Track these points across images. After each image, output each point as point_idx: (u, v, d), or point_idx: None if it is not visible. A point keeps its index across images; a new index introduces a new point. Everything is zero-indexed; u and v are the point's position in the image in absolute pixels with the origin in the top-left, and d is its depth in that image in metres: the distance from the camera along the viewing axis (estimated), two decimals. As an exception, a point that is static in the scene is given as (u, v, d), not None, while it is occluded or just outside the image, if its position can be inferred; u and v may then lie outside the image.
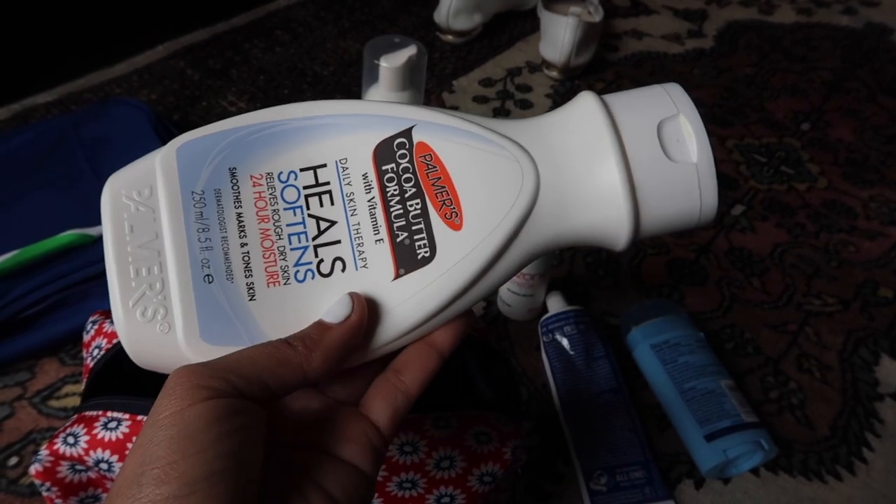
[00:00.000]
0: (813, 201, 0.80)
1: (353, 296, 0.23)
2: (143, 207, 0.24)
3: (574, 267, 0.70)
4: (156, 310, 0.23)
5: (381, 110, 0.25)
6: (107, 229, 0.24)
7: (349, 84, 0.91)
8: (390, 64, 0.60)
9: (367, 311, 0.23)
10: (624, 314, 0.63)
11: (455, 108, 0.89)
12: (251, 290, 0.23)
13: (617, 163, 0.23)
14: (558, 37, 0.90)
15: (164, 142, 0.71)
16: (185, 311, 0.23)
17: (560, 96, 0.93)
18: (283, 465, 0.22)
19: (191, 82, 0.89)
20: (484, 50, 1.00)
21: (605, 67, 0.99)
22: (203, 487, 0.18)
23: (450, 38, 1.00)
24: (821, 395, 0.61)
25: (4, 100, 0.83)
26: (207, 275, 0.23)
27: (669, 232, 0.25)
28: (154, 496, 0.18)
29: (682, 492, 0.53)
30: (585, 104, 0.25)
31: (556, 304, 0.62)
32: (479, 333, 0.39)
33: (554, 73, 0.95)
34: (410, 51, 0.61)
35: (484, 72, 0.96)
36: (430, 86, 0.92)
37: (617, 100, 0.25)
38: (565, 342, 0.59)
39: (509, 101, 0.91)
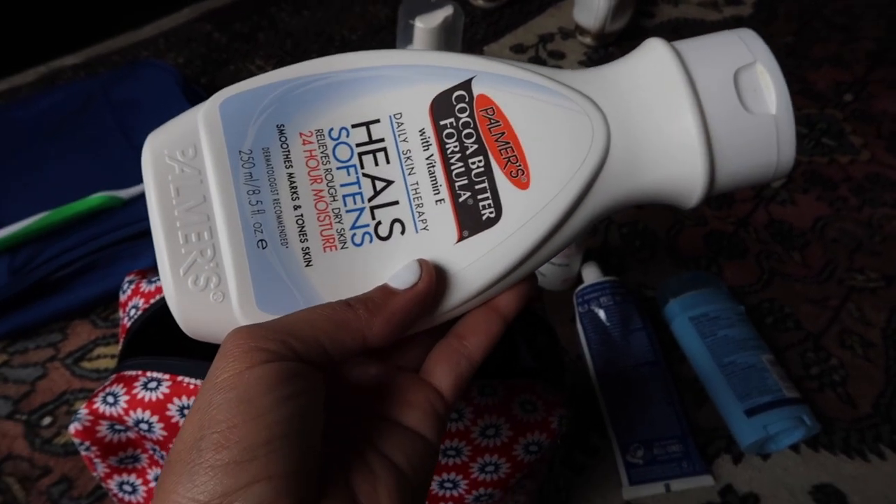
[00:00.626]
0: (855, 174, 0.78)
1: (422, 262, 0.22)
2: (188, 168, 0.22)
3: (609, 237, 0.68)
4: (208, 277, 0.22)
5: (437, 60, 0.24)
6: (150, 193, 0.22)
7: (378, 49, 0.89)
8: (426, 24, 0.59)
9: (436, 279, 0.22)
10: (661, 286, 0.61)
11: (486, 74, 0.87)
12: (307, 256, 0.22)
13: (693, 115, 0.22)
14: (593, 1, 0.87)
15: (193, 105, 0.70)
16: (239, 278, 0.22)
17: (593, 63, 0.90)
18: (342, 433, 0.22)
19: (217, 46, 0.88)
20: (515, 15, 0.98)
21: (640, 34, 0.96)
22: (264, 453, 0.17)
23: (481, 2, 0.97)
24: (863, 372, 0.59)
25: (31, 62, 0.82)
26: (261, 240, 0.22)
27: (744, 187, 0.23)
28: (214, 461, 0.17)
29: (719, 466, 0.52)
30: (656, 52, 0.23)
31: (591, 275, 0.61)
32: (524, 300, 0.38)
33: (588, 40, 0.92)
34: (446, 11, 0.59)
35: (515, 38, 0.94)
36: (461, 51, 0.89)
37: (689, 47, 0.23)
38: (602, 313, 0.58)
39: (541, 68, 0.89)
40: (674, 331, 0.59)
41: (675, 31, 0.98)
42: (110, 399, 0.32)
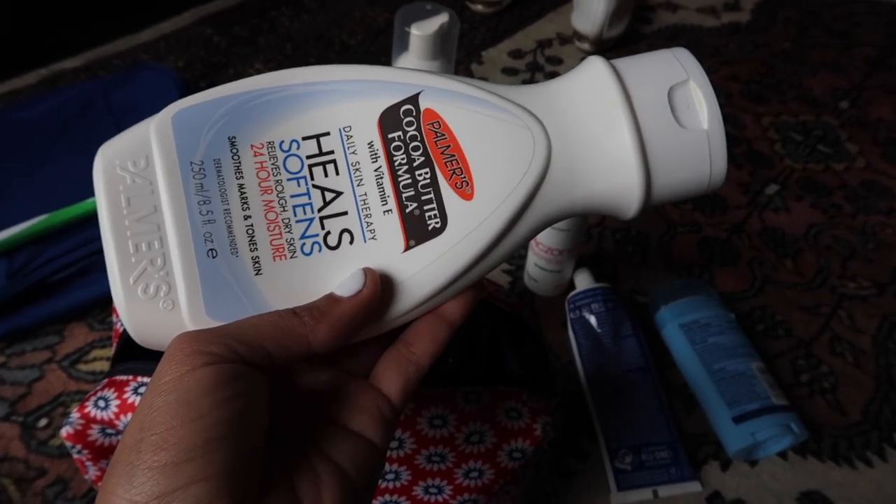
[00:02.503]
0: (851, 181, 0.78)
1: (367, 271, 0.23)
2: (139, 179, 0.23)
3: (602, 244, 0.69)
4: (158, 286, 0.22)
5: (385, 76, 0.24)
6: (101, 203, 0.22)
7: (377, 53, 0.90)
8: (421, 31, 0.59)
9: (381, 287, 0.23)
10: (653, 293, 0.62)
11: (484, 79, 0.88)
12: (257, 265, 0.23)
13: (629, 129, 0.22)
14: (591, 8, 0.88)
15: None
16: (188, 287, 0.22)
17: (591, 69, 0.91)
18: (291, 436, 0.22)
19: (217, 49, 0.89)
20: (514, 21, 0.98)
21: (637, 40, 0.97)
22: (201, 454, 0.18)
23: (479, 7, 0.98)
24: (853, 379, 0.59)
25: (32, 65, 0.83)
26: (211, 249, 0.22)
27: (679, 199, 0.24)
28: (152, 462, 0.18)
29: (708, 473, 0.53)
30: (595, 69, 0.24)
31: (583, 281, 0.61)
32: (512, 308, 0.39)
33: (585, 46, 0.93)
34: (442, 18, 0.60)
35: (514, 43, 0.94)
36: (459, 56, 0.90)
37: (627, 65, 0.24)
38: (593, 319, 0.58)
39: (539, 74, 0.89)
40: (664, 337, 0.60)
41: (672, 38, 0.98)
42: (101, 403, 0.33)
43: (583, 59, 0.91)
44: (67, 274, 0.59)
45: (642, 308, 0.63)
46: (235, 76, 0.85)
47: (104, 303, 0.59)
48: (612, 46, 0.94)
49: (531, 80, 0.88)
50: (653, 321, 0.61)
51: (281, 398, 0.23)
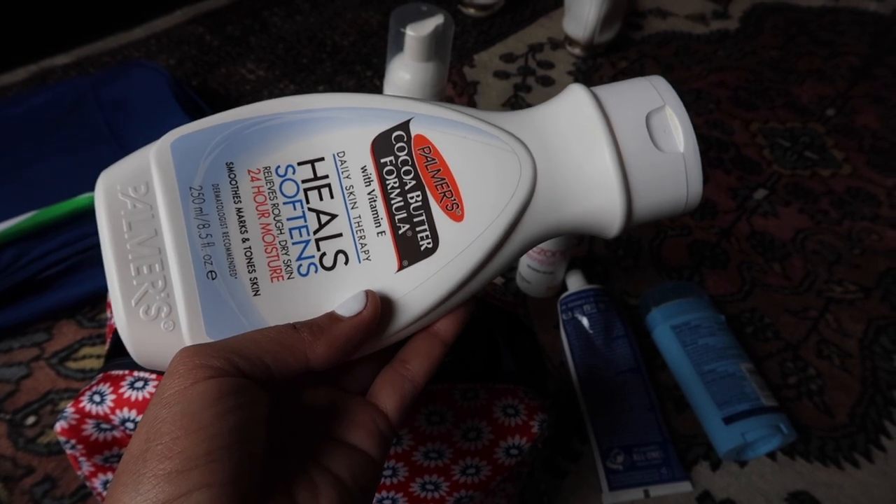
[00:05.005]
0: (837, 188, 0.79)
1: (369, 293, 0.24)
2: (140, 204, 0.23)
3: (594, 246, 0.69)
4: (159, 308, 0.23)
5: (377, 103, 0.25)
6: (103, 227, 0.23)
7: (369, 55, 0.90)
8: (416, 33, 0.59)
9: (381, 309, 0.24)
10: (644, 295, 0.62)
11: (476, 82, 0.88)
12: (255, 286, 0.23)
13: (610, 153, 0.24)
14: (583, 13, 0.89)
15: (183, 106, 0.70)
16: (189, 308, 0.23)
17: (582, 74, 0.92)
18: (289, 449, 0.23)
19: (209, 48, 0.88)
20: (506, 24, 0.99)
21: (628, 46, 0.98)
22: (204, 462, 0.19)
23: (472, 11, 0.98)
24: (840, 382, 0.60)
25: (22, 61, 0.82)
26: (210, 271, 0.23)
27: (658, 219, 0.25)
28: (157, 471, 0.18)
29: (698, 473, 0.53)
30: (576, 97, 0.25)
31: (576, 283, 0.62)
32: (507, 307, 0.39)
33: (577, 50, 0.94)
34: (437, 20, 0.60)
35: (505, 47, 0.95)
36: (451, 59, 0.90)
37: (607, 92, 0.25)
38: (585, 321, 0.58)
39: (530, 78, 0.90)
40: (655, 339, 0.60)
41: (662, 44, 0.99)
42: (97, 398, 0.32)
43: (574, 63, 0.91)
44: (56, 271, 0.58)
45: (634, 310, 0.64)
46: (227, 75, 0.84)
47: (93, 300, 0.59)
48: (603, 52, 0.95)
49: (523, 84, 0.89)
50: (644, 323, 0.62)
51: (281, 412, 0.23)
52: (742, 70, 0.96)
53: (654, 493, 0.51)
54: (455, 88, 0.87)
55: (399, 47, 0.63)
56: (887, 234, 0.74)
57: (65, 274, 0.59)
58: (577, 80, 0.90)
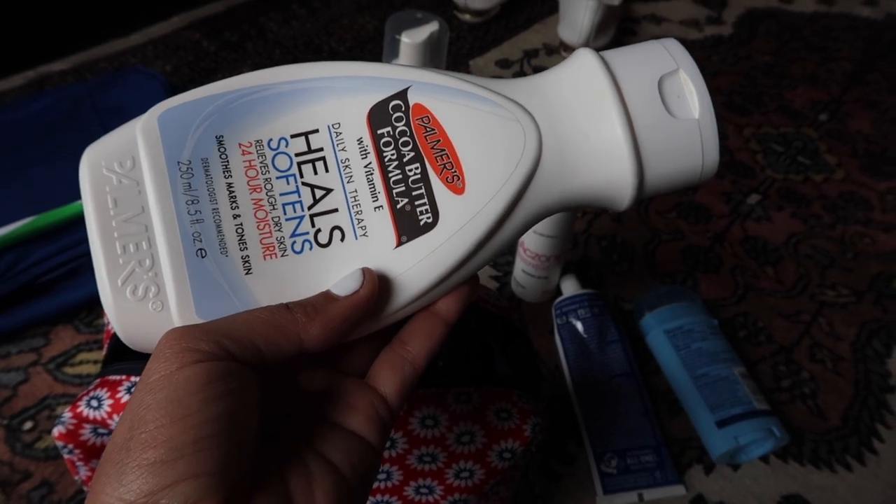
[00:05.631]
0: (829, 192, 0.80)
1: (366, 271, 0.23)
2: (125, 180, 0.22)
3: (588, 251, 0.70)
4: (147, 287, 0.22)
5: (373, 71, 0.24)
6: (88, 204, 0.22)
7: (365, 60, 0.91)
8: (411, 39, 0.60)
9: (378, 287, 0.23)
10: (638, 299, 0.63)
11: (471, 88, 0.89)
12: (247, 264, 0.22)
13: (619, 120, 0.22)
14: (577, 19, 0.89)
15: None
16: (178, 287, 0.22)
17: (577, 79, 0.92)
18: (286, 435, 0.22)
19: (206, 54, 0.89)
20: (501, 30, 0.99)
21: (622, 51, 0.98)
22: (191, 451, 0.18)
23: (467, 17, 0.99)
24: (833, 385, 0.61)
25: (19, 67, 0.83)
26: (200, 249, 0.22)
27: (672, 190, 0.24)
28: (141, 461, 0.18)
29: (691, 476, 0.54)
30: (584, 61, 0.24)
31: (570, 287, 0.62)
32: (501, 311, 0.39)
33: (571, 56, 0.94)
34: (432, 27, 0.61)
35: (501, 52, 0.95)
36: (447, 65, 0.91)
37: (616, 56, 0.24)
38: (579, 325, 0.59)
39: (526, 83, 0.91)
40: (649, 343, 0.60)
41: (657, 49, 1.00)
42: (94, 403, 0.33)
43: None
44: (54, 276, 0.58)
45: (627, 314, 0.64)
46: (224, 81, 0.85)
47: (91, 305, 0.59)
48: (598, 57, 0.95)
49: (518, 89, 0.89)
50: (638, 327, 0.62)
51: (274, 395, 0.23)
52: (736, 75, 0.96)
53: (648, 496, 0.52)
54: (451, 94, 0.87)
55: (394, 53, 0.63)
56: (880, 238, 0.74)
57: (62, 279, 0.59)
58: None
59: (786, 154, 0.84)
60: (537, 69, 0.93)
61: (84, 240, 0.59)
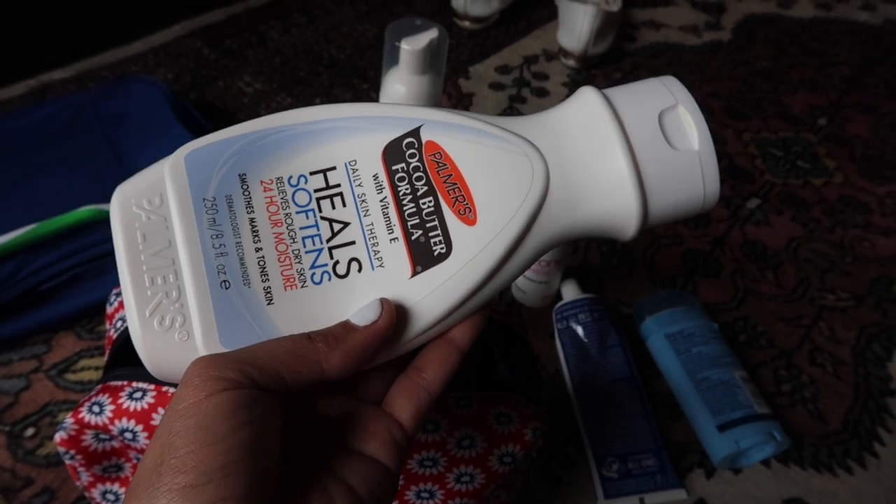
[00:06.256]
0: (829, 196, 0.80)
1: (383, 301, 0.23)
2: (154, 216, 0.24)
3: (589, 256, 0.70)
4: (173, 318, 0.23)
5: (387, 112, 0.26)
6: (118, 239, 0.23)
7: (365, 68, 0.91)
8: (411, 46, 0.60)
9: (395, 317, 0.23)
10: (638, 304, 0.63)
11: (471, 94, 0.89)
12: (269, 295, 0.23)
13: (623, 153, 0.24)
14: (576, 25, 0.90)
15: (181, 120, 0.71)
16: (203, 317, 0.23)
17: (576, 85, 0.93)
18: (306, 460, 0.23)
19: (207, 62, 0.89)
20: (501, 37, 1.00)
21: (622, 57, 0.99)
22: (219, 477, 0.18)
23: (467, 23, 0.99)
24: (833, 389, 0.61)
25: (21, 75, 0.83)
26: (224, 280, 0.23)
27: (675, 219, 0.25)
28: (172, 485, 0.18)
29: (692, 481, 0.54)
30: (587, 98, 0.25)
31: (570, 292, 0.62)
32: (501, 317, 0.39)
33: (571, 62, 0.95)
34: (432, 34, 0.61)
35: (500, 59, 0.96)
36: (447, 71, 0.91)
37: (618, 93, 0.25)
38: (580, 330, 0.59)
39: (525, 89, 0.91)
40: (649, 347, 0.61)
41: (655, 55, 1.00)
42: (96, 408, 0.33)
43: (568, 74, 0.92)
44: (55, 283, 0.58)
45: (628, 319, 0.64)
46: (224, 88, 0.85)
47: (93, 312, 0.59)
48: (597, 63, 0.96)
49: (518, 95, 0.90)
50: (638, 331, 0.62)
51: (296, 422, 0.23)
52: (734, 80, 0.97)
53: (649, 500, 0.52)
54: (451, 100, 0.88)
55: (394, 61, 0.63)
56: (879, 241, 0.75)
57: (64, 286, 0.59)
58: (571, 92, 0.91)
59: (785, 158, 0.85)
60: (537, 75, 0.93)
61: (86, 247, 0.59)
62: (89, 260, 0.59)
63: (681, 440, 0.56)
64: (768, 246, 0.73)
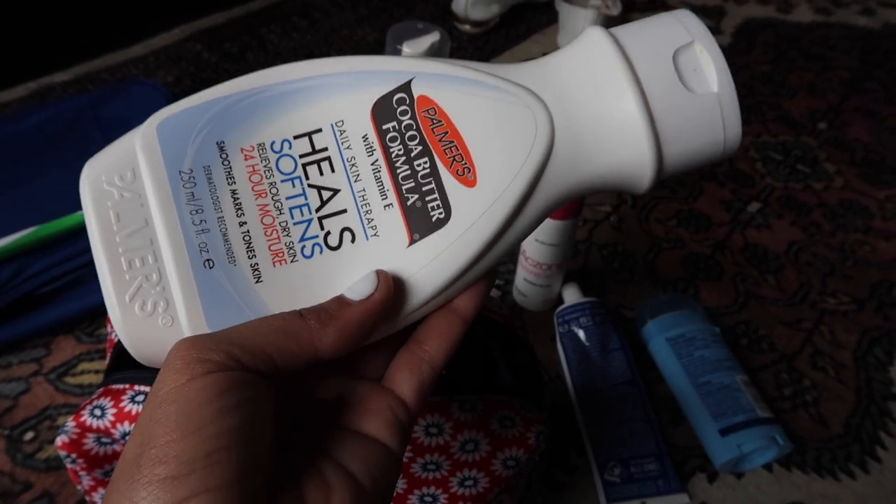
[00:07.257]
0: (829, 200, 0.80)
1: (380, 273, 0.22)
2: (127, 193, 0.22)
3: (590, 259, 0.70)
4: (156, 302, 0.21)
5: (374, 65, 0.23)
6: (90, 220, 0.22)
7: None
8: (413, 50, 0.60)
9: (393, 289, 0.22)
10: (639, 307, 0.63)
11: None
12: (256, 272, 0.22)
13: (634, 99, 0.22)
14: (576, 29, 0.90)
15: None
16: (187, 300, 0.21)
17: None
18: (299, 444, 0.21)
19: (207, 65, 0.89)
20: (501, 41, 1.00)
21: (621, 61, 0.99)
22: (202, 465, 0.17)
23: (467, 27, 0.99)
24: (835, 393, 0.61)
25: (21, 78, 0.83)
26: (207, 259, 0.22)
27: (694, 167, 0.23)
28: (152, 476, 0.17)
29: (694, 485, 0.53)
30: (594, 39, 0.23)
31: (572, 296, 0.62)
32: (503, 320, 0.39)
33: (571, 66, 0.95)
34: (433, 37, 0.61)
35: (501, 62, 0.96)
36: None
37: (626, 32, 0.23)
38: (581, 333, 0.59)
39: (526, 93, 0.91)
40: (651, 351, 0.60)
41: (655, 59, 1.00)
42: (97, 412, 0.33)
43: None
44: (55, 287, 0.58)
45: (629, 322, 0.64)
46: (225, 92, 0.85)
47: (92, 316, 0.59)
48: (597, 67, 0.96)
49: (518, 99, 0.90)
50: (639, 335, 0.62)
51: (289, 404, 0.22)
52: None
53: (651, 505, 0.52)
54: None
55: (395, 64, 0.63)
56: (880, 245, 0.75)
57: (64, 289, 0.59)
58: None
59: (785, 162, 0.85)
60: (537, 79, 0.93)
61: (85, 250, 0.59)
62: (89, 263, 0.59)
63: (683, 444, 0.56)
64: (769, 250, 0.73)
